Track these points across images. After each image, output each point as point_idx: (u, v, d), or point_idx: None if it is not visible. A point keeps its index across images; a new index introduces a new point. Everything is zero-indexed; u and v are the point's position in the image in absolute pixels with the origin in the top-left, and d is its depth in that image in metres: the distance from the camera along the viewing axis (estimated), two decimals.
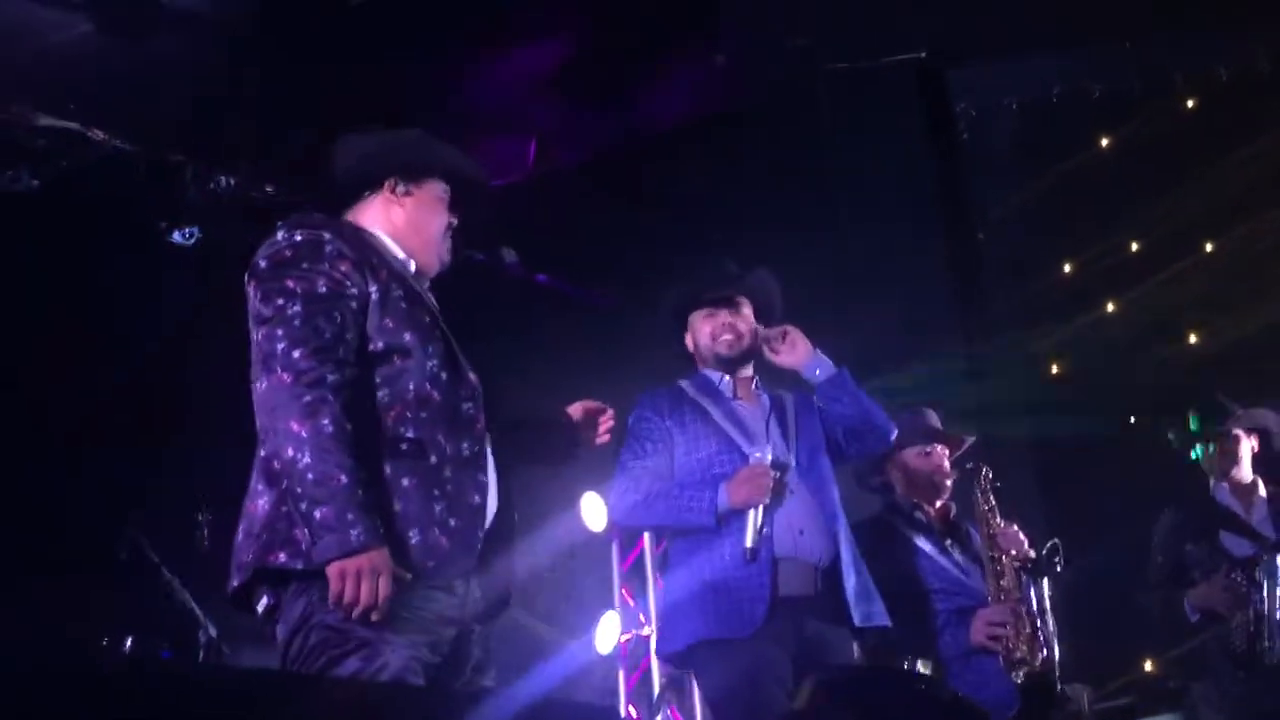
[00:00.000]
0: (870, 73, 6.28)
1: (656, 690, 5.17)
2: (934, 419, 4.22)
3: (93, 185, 5.27)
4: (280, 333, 2.35)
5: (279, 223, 2.54)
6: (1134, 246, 6.11)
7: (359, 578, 2.23)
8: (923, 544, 4.03)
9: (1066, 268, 6.18)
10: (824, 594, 3.31)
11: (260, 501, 2.37)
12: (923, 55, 6.35)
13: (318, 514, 2.24)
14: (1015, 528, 3.95)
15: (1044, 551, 3.84)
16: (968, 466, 4.10)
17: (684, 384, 3.60)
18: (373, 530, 2.26)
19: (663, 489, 3.37)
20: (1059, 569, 3.83)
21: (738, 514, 3.27)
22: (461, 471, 2.43)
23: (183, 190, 5.40)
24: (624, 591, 5.42)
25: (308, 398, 2.29)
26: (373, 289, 2.46)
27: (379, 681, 2.33)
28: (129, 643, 4.48)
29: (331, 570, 2.24)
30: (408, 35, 5.58)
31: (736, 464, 3.36)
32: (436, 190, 2.72)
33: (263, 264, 2.47)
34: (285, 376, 2.31)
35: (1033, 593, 3.83)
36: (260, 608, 2.38)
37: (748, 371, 3.63)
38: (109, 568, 4.67)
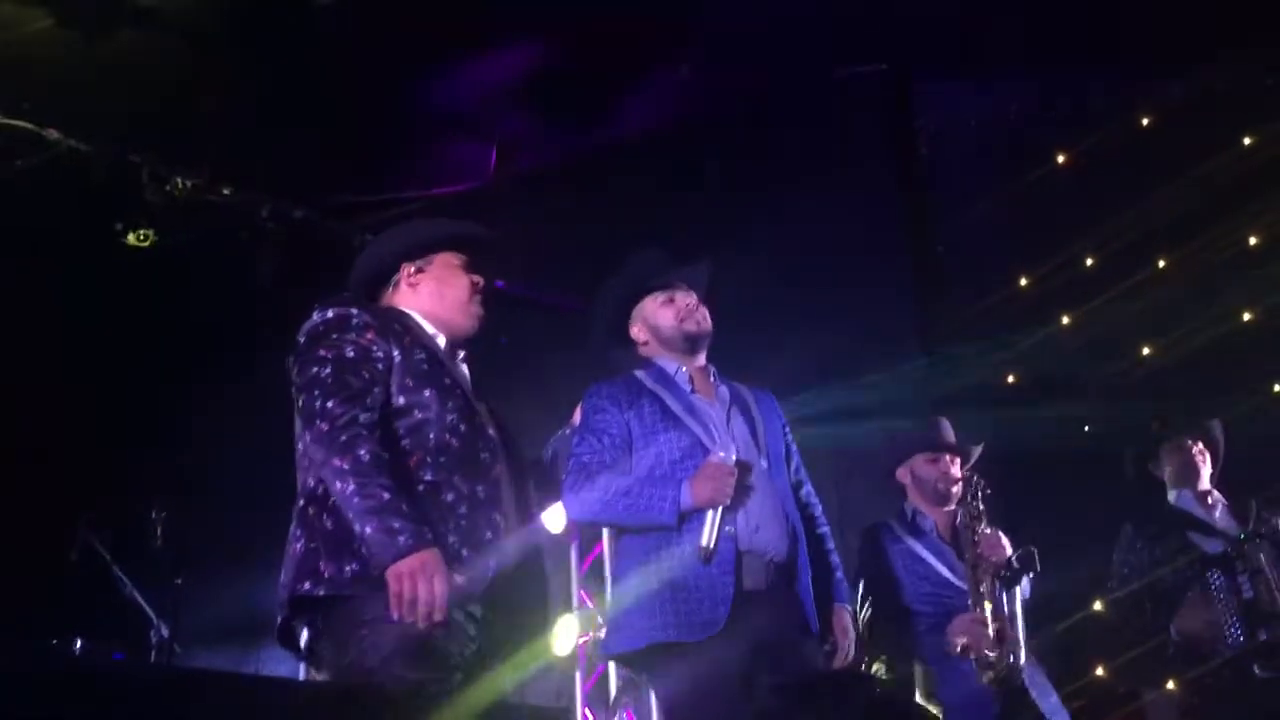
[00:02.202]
0: (833, 85, 6.33)
1: (613, 693, 5.16)
2: (947, 430, 4.33)
3: (47, 185, 5.21)
4: (316, 392, 2.63)
5: (315, 305, 2.82)
6: (1089, 261, 6.18)
7: (414, 577, 2.45)
8: (919, 549, 4.13)
9: (1023, 281, 6.24)
10: (777, 589, 3.24)
11: (297, 545, 2.62)
12: (884, 68, 6.41)
13: (368, 529, 2.48)
14: (1000, 535, 4.03)
15: (1017, 556, 3.94)
16: (964, 473, 4.23)
17: (639, 374, 3.46)
18: (419, 534, 2.49)
19: (622, 486, 3.23)
20: (1031, 575, 3.95)
21: (700, 515, 3.18)
22: (476, 510, 2.66)
23: (139, 192, 5.35)
24: (582, 594, 5.42)
25: (344, 436, 2.55)
26: (395, 353, 2.74)
27: (333, 682, 2.38)
28: (79, 643, 4.42)
29: (389, 575, 2.46)
30: (372, 38, 5.56)
31: (698, 460, 3.25)
32: (448, 260, 2.99)
33: (301, 340, 2.77)
34: (323, 425, 2.58)
35: (1004, 597, 3.93)
36: (302, 642, 2.62)
37: (702, 361, 3.52)
38: (59, 566, 4.62)
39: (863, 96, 6.49)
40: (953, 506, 4.22)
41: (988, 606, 3.91)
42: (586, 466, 3.28)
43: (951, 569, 4.10)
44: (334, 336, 2.71)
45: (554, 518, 5.39)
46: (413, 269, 2.96)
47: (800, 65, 6.22)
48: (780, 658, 3.15)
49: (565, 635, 5.24)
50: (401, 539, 2.46)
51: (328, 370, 2.66)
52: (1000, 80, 6.38)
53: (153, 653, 4.63)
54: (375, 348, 2.71)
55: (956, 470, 4.25)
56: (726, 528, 3.18)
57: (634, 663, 3.41)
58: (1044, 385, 5.91)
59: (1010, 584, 3.94)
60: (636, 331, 3.55)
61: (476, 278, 2.99)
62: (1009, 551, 3.98)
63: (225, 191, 5.61)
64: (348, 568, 2.54)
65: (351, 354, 2.69)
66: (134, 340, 5.42)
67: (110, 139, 5.33)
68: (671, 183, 6.05)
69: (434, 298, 2.94)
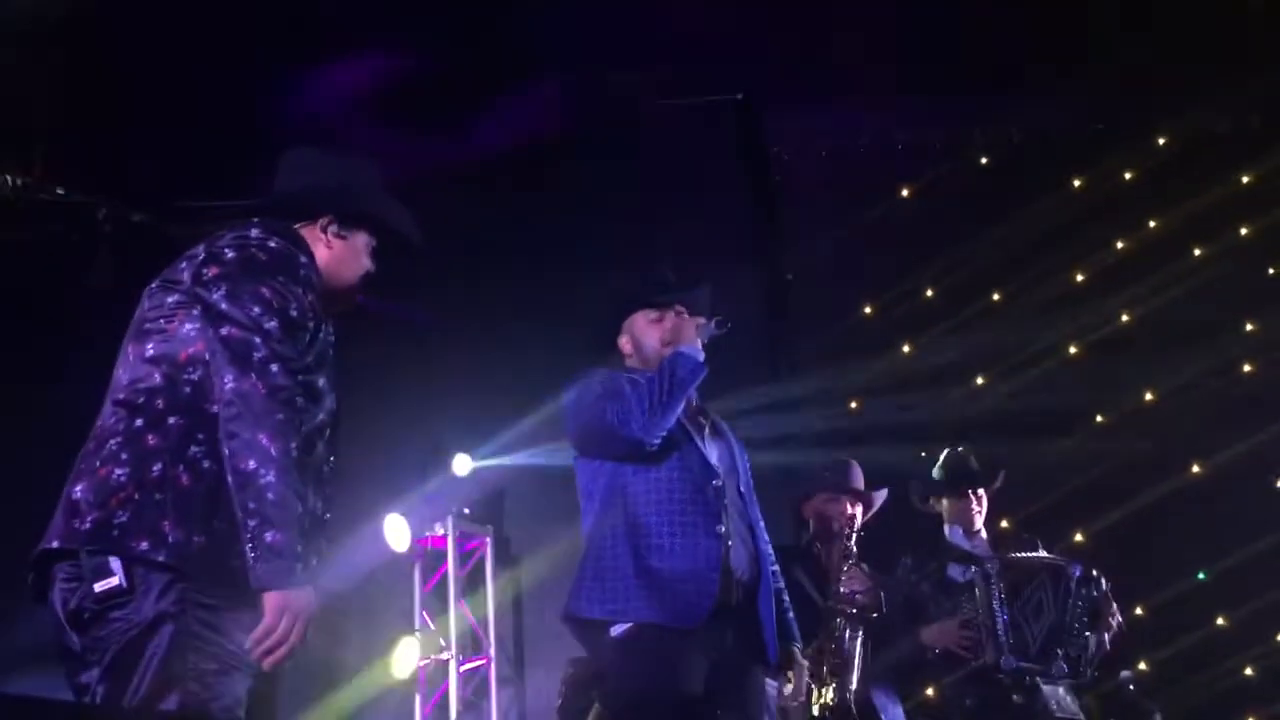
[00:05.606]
0: (689, 112, 6.43)
1: (454, 716, 5.11)
2: (855, 474, 4.58)
3: None
4: (258, 340, 2.33)
5: (251, 221, 2.53)
6: (928, 293, 6.42)
7: (296, 617, 2.23)
8: (804, 581, 4.31)
9: (867, 310, 6.44)
10: (743, 608, 3.30)
11: (116, 471, 2.31)
12: (739, 97, 6.54)
13: (269, 536, 2.21)
14: (864, 574, 4.26)
15: (864, 599, 4.17)
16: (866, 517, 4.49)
17: (633, 376, 3.44)
18: (311, 566, 2.29)
19: (647, 383, 3.26)
20: (874, 616, 4.18)
21: (691, 510, 3.25)
22: (316, 529, 2.39)
23: None
24: (424, 615, 5.35)
25: (280, 416, 2.28)
26: (321, 333, 2.48)
27: (169, 711, 2.24)
28: None
29: (273, 600, 2.22)
30: (219, 39, 5.44)
31: (694, 458, 3.33)
32: (364, 239, 2.71)
33: (230, 254, 2.44)
34: (260, 386, 2.29)
35: (847, 633, 4.14)
36: (100, 586, 2.24)
37: None
38: None
39: (716, 123, 6.60)
40: (843, 545, 4.37)
41: (832, 637, 4.10)
42: (614, 391, 3.30)
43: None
44: (280, 279, 2.41)
45: (396, 535, 5.31)
46: (334, 228, 2.66)
47: (653, 90, 6.30)
48: (740, 681, 3.25)
49: (406, 657, 5.17)
50: (299, 566, 2.23)
51: (274, 323, 2.35)
52: (849, 112, 6.57)
53: None
54: (310, 317, 2.43)
55: (857, 513, 4.49)
56: (719, 527, 3.24)
57: (596, 635, 3.28)
58: (883, 412, 6.10)
59: (854, 623, 4.15)
60: (623, 343, 3.58)
61: (372, 266, 2.72)
62: (864, 591, 4.19)
63: (59, 191, 5.37)
64: (195, 539, 2.26)
65: (295, 315, 2.40)
66: None
67: None
68: (523, 201, 6.04)
69: (336, 265, 2.64)
